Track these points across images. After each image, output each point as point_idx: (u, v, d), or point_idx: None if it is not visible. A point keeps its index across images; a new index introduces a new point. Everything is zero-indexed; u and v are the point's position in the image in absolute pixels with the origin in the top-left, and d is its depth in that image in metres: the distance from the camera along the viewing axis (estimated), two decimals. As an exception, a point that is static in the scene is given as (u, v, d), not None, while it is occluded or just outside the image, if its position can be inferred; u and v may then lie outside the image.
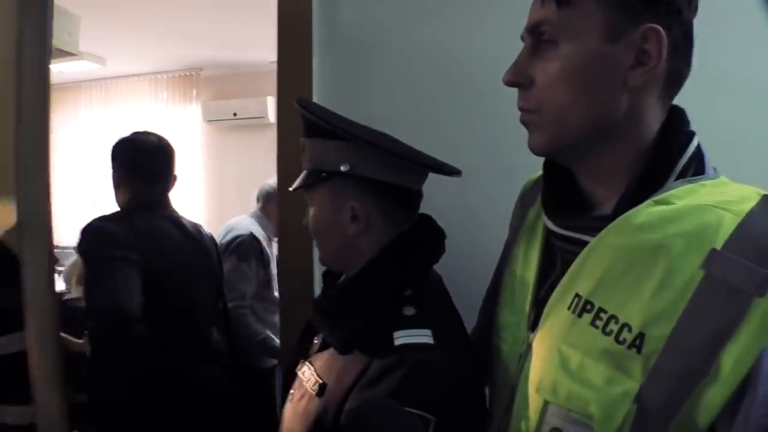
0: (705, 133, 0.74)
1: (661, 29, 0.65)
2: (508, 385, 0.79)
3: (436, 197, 1.43)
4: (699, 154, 0.71)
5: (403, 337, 0.90)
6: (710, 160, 0.72)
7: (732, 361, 0.57)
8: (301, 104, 1.01)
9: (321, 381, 0.96)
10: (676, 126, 0.72)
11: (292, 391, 1.04)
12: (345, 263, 1.06)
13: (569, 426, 0.67)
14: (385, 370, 0.87)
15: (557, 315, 0.71)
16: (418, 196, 1.06)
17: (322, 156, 1.00)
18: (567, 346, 0.68)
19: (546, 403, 0.69)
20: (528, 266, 0.83)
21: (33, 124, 1.49)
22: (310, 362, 1.03)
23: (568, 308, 0.70)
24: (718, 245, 0.60)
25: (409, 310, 0.95)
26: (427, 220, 1.08)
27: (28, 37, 1.45)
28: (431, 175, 1.09)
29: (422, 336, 0.91)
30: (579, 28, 0.67)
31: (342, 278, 1.12)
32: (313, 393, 0.96)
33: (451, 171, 1.03)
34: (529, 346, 0.75)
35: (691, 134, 0.72)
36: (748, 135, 1.32)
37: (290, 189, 1.07)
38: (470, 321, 1.20)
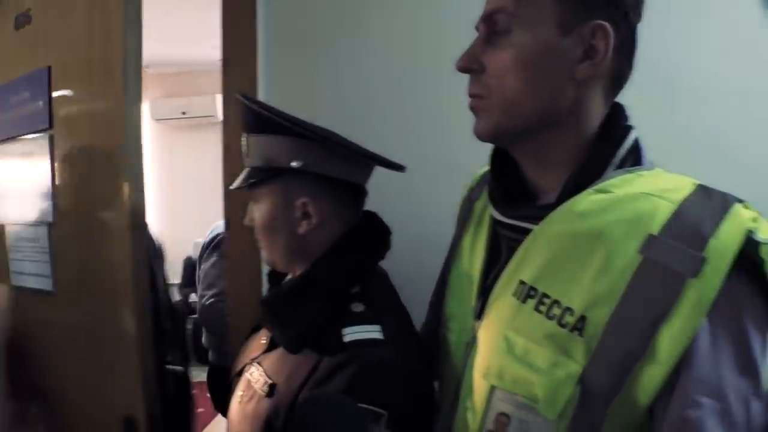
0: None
1: (609, 27, 0.68)
2: (455, 374, 0.81)
3: (384, 194, 1.44)
4: (637, 147, 0.74)
5: (352, 334, 0.90)
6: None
7: (668, 341, 0.59)
8: (248, 99, 0.99)
9: (270, 381, 0.94)
10: (616, 120, 0.75)
11: (239, 392, 1.02)
12: (293, 262, 1.04)
13: (515, 410, 0.68)
14: (335, 368, 0.86)
15: (502, 302, 0.73)
16: (364, 192, 1.06)
17: (270, 152, 0.98)
18: (512, 332, 0.70)
19: (492, 389, 0.71)
20: (474, 257, 0.85)
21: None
22: (258, 362, 1.01)
23: (513, 295, 0.71)
24: (655, 231, 0.63)
25: (358, 307, 0.95)
26: (372, 216, 1.08)
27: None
28: (379, 172, 1.09)
29: (372, 332, 0.90)
30: (533, 18, 0.70)
31: (288, 277, 1.10)
32: (263, 394, 0.94)
33: (397, 166, 1.03)
34: (475, 335, 0.77)
35: (629, 128, 0.75)
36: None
37: (232, 187, 1.03)
38: (419, 317, 1.21)
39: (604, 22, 0.68)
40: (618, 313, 0.62)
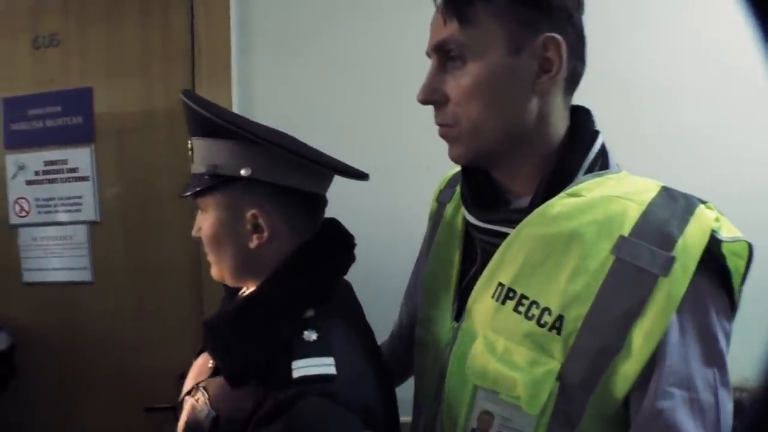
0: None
1: (558, 36, 0.70)
2: (435, 374, 0.82)
3: (352, 194, 1.48)
4: (604, 151, 0.76)
5: (302, 368, 0.79)
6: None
7: (642, 335, 0.62)
8: (191, 98, 0.88)
9: (214, 413, 0.83)
10: (583, 126, 0.77)
11: (183, 419, 0.89)
12: (243, 278, 0.94)
13: (498, 408, 0.70)
14: (282, 405, 0.75)
15: (481, 303, 0.75)
16: (323, 201, 0.96)
17: (216, 158, 0.87)
18: (492, 332, 0.72)
19: (475, 388, 0.72)
20: (449, 260, 0.87)
21: None
22: (204, 388, 0.88)
23: (492, 296, 0.73)
24: (626, 232, 0.65)
25: (311, 335, 0.83)
26: (334, 226, 0.98)
27: None
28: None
29: (323, 366, 0.79)
30: (482, 46, 0.71)
31: (242, 291, 0.99)
32: (206, 425, 0.83)
33: (358, 174, 0.94)
34: (455, 335, 0.79)
35: (596, 133, 0.77)
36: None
37: (180, 196, 0.91)
38: (390, 317, 1.25)
39: (552, 34, 0.70)
40: (593, 311, 0.65)
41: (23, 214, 1.82)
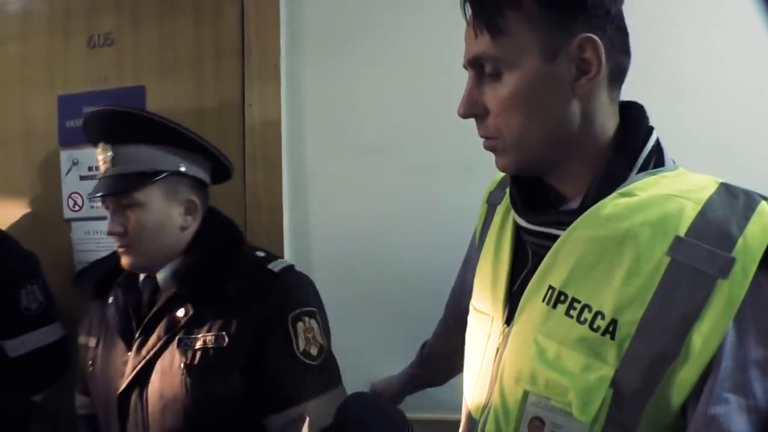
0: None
1: (593, 36, 0.68)
2: (486, 379, 0.81)
3: (402, 195, 1.52)
4: (658, 147, 0.74)
5: (278, 265, 1.19)
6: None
7: (701, 340, 0.60)
8: (136, 111, 1.14)
9: (225, 332, 1.11)
10: (636, 122, 0.75)
11: (179, 364, 1.10)
12: (163, 257, 1.18)
13: (549, 414, 0.69)
14: (281, 290, 1.16)
15: (532, 307, 0.73)
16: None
17: (152, 160, 1.13)
18: (543, 337, 0.70)
19: (526, 393, 0.71)
20: (500, 262, 0.85)
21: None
22: (182, 336, 1.12)
23: (543, 300, 0.72)
24: (682, 232, 0.63)
25: (260, 253, 1.23)
26: (214, 210, 1.28)
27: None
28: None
29: (286, 261, 1.22)
30: (516, 55, 0.69)
31: (177, 263, 1.20)
32: (223, 345, 1.09)
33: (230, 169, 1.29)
34: (506, 339, 0.77)
35: (650, 129, 0.75)
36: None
37: (100, 195, 1.13)
38: (432, 316, 1.28)
39: (587, 34, 0.68)
40: (649, 315, 0.63)
41: (76, 208, 1.87)
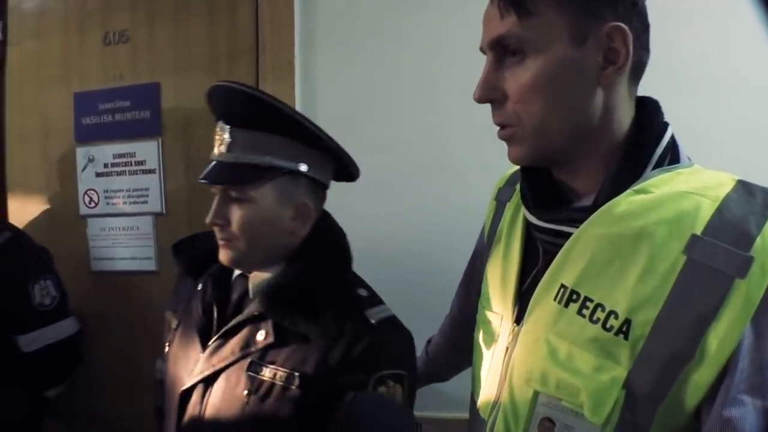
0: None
1: (623, 26, 0.66)
2: (495, 378, 0.79)
3: (410, 192, 1.51)
4: (673, 144, 0.72)
5: (377, 314, 1.03)
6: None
7: (717, 341, 0.58)
8: (263, 93, 1.00)
9: (298, 373, 0.98)
10: (651, 118, 0.73)
11: (243, 391, 1.00)
12: (264, 259, 1.06)
13: (560, 415, 0.67)
14: (371, 345, 0.99)
15: (543, 306, 0.72)
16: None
17: (271, 152, 1.00)
18: (555, 336, 0.69)
19: (536, 394, 0.70)
20: (509, 261, 0.84)
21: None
22: (258, 360, 1.01)
23: (554, 299, 0.70)
24: (698, 230, 0.61)
25: (362, 292, 1.08)
26: (327, 215, 1.15)
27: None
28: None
29: (387, 310, 1.06)
30: (544, 38, 0.67)
31: (275, 270, 1.07)
32: (293, 386, 0.97)
33: (355, 173, 1.15)
34: (516, 339, 0.76)
35: (666, 125, 0.73)
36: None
37: (210, 182, 1.01)
38: (443, 314, 1.28)
39: (617, 23, 0.66)
40: (664, 315, 0.61)
41: (92, 205, 1.88)
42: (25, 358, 1.60)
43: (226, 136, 1.01)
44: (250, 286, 1.07)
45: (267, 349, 1.01)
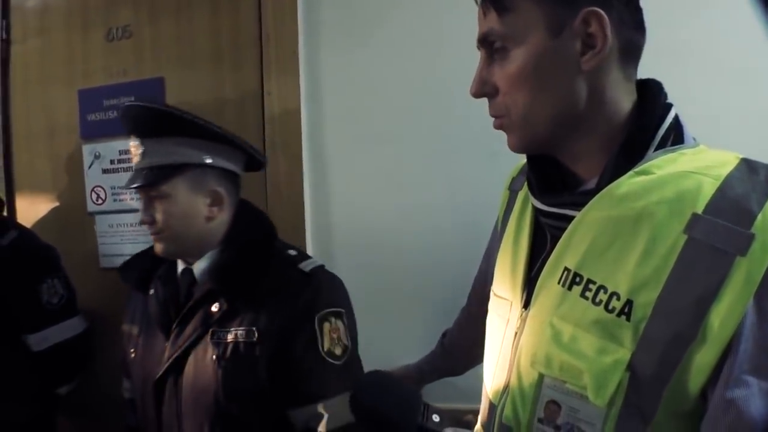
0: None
1: (598, 10, 0.66)
2: (505, 363, 0.80)
3: (426, 181, 1.49)
4: (677, 124, 0.72)
5: (308, 265, 1.23)
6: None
7: (719, 321, 0.58)
8: (159, 106, 1.17)
9: (255, 327, 1.15)
10: (653, 99, 0.73)
11: (212, 356, 1.16)
12: (195, 246, 1.24)
13: (565, 397, 0.68)
14: (310, 290, 1.19)
15: (548, 290, 0.72)
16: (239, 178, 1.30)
17: (177, 152, 1.17)
18: (558, 319, 0.69)
19: (541, 376, 0.70)
20: (519, 247, 0.84)
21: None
22: (214, 330, 1.18)
23: (558, 282, 0.71)
24: (699, 209, 0.61)
25: (293, 252, 1.27)
26: (246, 202, 1.32)
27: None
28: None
29: (317, 262, 1.25)
30: (522, 31, 0.70)
31: (213, 256, 1.25)
32: (254, 339, 1.15)
33: (262, 160, 1.32)
34: (524, 323, 0.77)
35: (669, 106, 0.72)
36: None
37: (130, 187, 1.18)
38: (455, 304, 1.27)
39: (592, 8, 0.67)
40: (664, 295, 0.61)
41: (99, 202, 1.89)
42: (35, 357, 1.61)
43: (139, 146, 1.19)
44: (196, 273, 1.24)
45: (223, 319, 1.18)
